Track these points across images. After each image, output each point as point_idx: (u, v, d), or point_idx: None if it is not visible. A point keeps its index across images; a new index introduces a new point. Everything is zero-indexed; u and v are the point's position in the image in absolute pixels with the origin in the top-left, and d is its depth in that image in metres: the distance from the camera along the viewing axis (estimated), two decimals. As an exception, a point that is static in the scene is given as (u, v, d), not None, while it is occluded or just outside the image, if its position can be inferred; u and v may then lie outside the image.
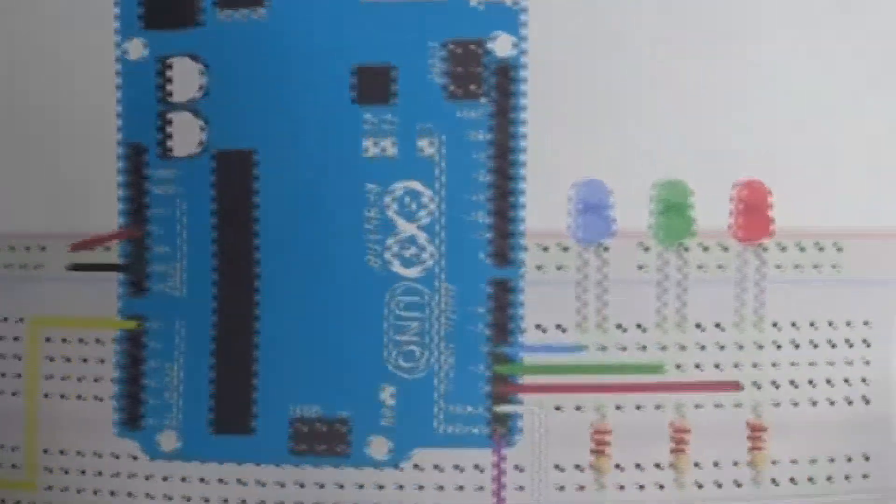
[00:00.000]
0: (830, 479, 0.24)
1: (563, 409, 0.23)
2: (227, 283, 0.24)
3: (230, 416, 0.24)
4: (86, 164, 0.24)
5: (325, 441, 0.23)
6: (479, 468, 0.23)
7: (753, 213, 0.24)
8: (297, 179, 0.23)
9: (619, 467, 0.24)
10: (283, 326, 0.24)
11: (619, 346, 0.24)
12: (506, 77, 0.23)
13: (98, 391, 0.24)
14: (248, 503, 0.23)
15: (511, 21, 0.23)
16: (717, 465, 0.24)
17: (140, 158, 0.24)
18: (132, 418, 0.24)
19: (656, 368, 0.24)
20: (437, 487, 0.23)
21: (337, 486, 0.23)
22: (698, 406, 0.24)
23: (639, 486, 0.24)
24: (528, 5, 0.23)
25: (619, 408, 0.24)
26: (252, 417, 0.24)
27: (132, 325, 0.24)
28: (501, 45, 0.23)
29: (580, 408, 0.23)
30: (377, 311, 0.24)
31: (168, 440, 0.24)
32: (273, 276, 0.24)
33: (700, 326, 0.24)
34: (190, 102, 0.24)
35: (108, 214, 0.24)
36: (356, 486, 0.23)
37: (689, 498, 0.24)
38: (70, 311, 0.24)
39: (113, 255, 0.24)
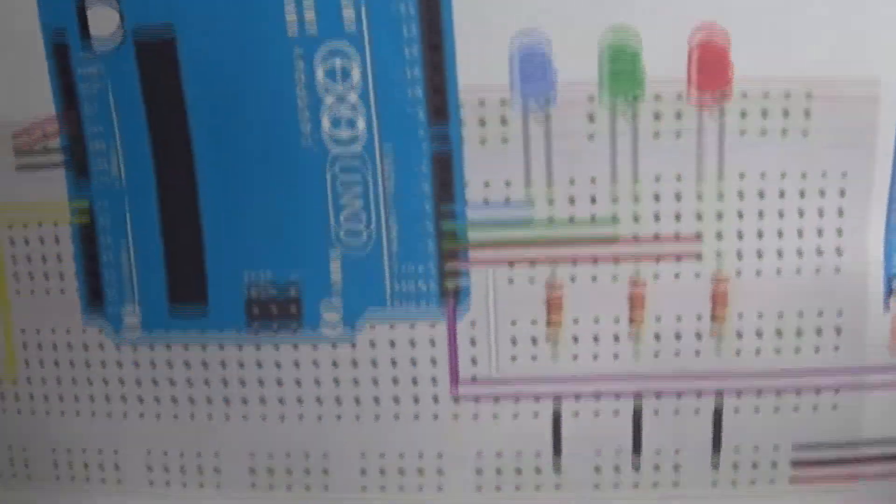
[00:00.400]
0: (799, 333, 0.23)
1: (512, 267, 0.23)
2: (165, 164, 0.23)
3: (185, 286, 0.24)
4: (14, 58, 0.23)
5: (278, 306, 0.23)
6: (432, 326, 0.23)
7: (712, 58, 0.21)
8: (221, 59, 0.22)
9: (574, 329, 0.23)
10: (227, 200, 0.23)
11: (570, 201, 0.22)
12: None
13: (61, 283, 0.24)
14: (210, 382, 0.24)
15: None
16: (678, 319, 0.23)
17: (65, 52, 0.23)
18: (95, 300, 0.24)
19: (610, 223, 0.23)
20: (392, 359, 0.23)
21: (291, 361, 0.24)
22: (657, 259, 0.23)
23: (595, 351, 0.23)
24: None
25: (573, 267, 0.23)
26: (206, 286, 0.24)
27: (82, 205, 0.24)
28: None
29: (532, 264, 0.23)
30: (318, 182, 0.23)
31: (130, 316, 0.24)
32: (209, 152, 0.23)
33: (657, 179, 0.22)
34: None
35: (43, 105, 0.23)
36: (311, 362, 0.24)
37: (647, 354, 0.23)
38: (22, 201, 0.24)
39: (55, 155, 0.23)
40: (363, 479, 0.24)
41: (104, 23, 0.22)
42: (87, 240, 0.24)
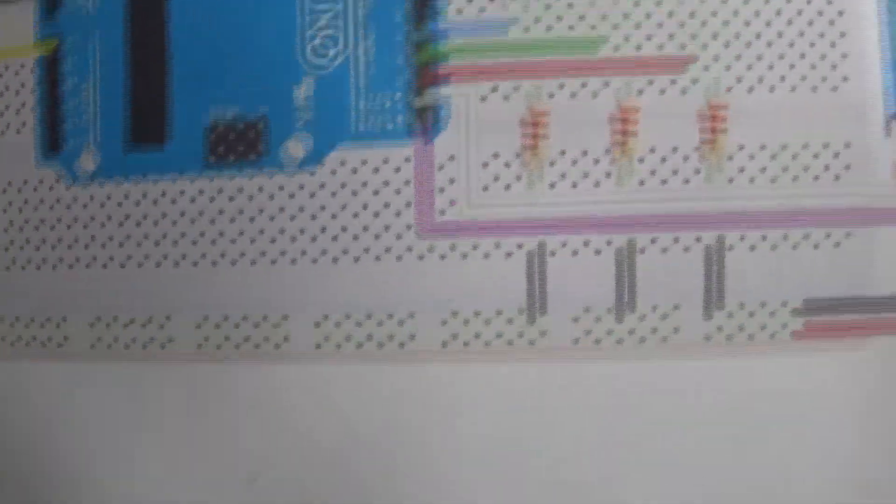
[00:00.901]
0: (805, 169, 0.21)
1: (495, 90, 0.21)
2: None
3: (145, 125, 0.22)
4: None
5: (241, 143, 0.22)
6: (402, 165, 0.21)
7: None
8: None
9: (553, 163, 0.21)
10: (195, 31, 0.22)
11: (555, 18, 0.21)
12: None
13: (18, 120, 0.23)
14: (168, 214, 0.22)
15: None
16: (672, 151, 0.21)
17: None
18: (52, 142, 0.23)
19: (596, 42, 0.21)
20: (357, 191, 0.21)
21: (252, 196, 0.22)
22: (649, 83, 0.21)
23: (575, 184, 0.21)
24: None
25: (556, 90, 0.21)
26: (167, 125, 0.22)
27: (49, 46, 0.23)
28: None
29: (515, 87, 0.21)
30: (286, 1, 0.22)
31: (87, 160, 0.22)
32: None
33: None
34: None
35: None
36: (272, 196, 0.22)
37: (633, 191, 0.21)
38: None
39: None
40: (318, 332, 0.22)
41: None
42: (50, 78, 0.23)
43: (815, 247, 0.21)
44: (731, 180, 0.21)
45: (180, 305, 0.22)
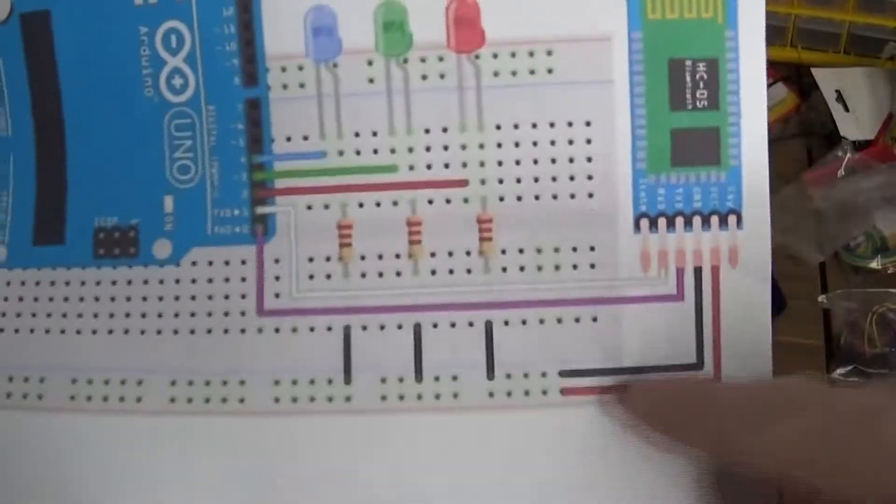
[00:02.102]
0: (557, 267, 0.27)
1: (311, 208, 0.27)
2: (41, 123, 0.29)
3: (48, 228, 0.28)
4: None
5: (120, 245, 0.28)
6: (244, 262, 0.27)
7: (466, 25, 0.26)
8: (87, 32, 0.28)
9: (362, 258, 0.27)
10: (87, 153, 0.28)
11: (356, 151, 0.27)
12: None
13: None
14: (61, 299, 0.28)
15: None
16: (450, 254, 0.27)
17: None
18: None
19: (390, 168, 0.27)
20: (209, 280, 0.27)
21: (129, 282, 0.28)
22: (430, 202, 0.27)
23: (380, 274, 0.27)
24: None
25: (360, 205, 0.27)
26: (64, 229, 0.28)
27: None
28: None
29: (326, 206, 0.27)
30: (157, 134, 0.28)
31: None
32: (76, 112, 0.28)
33: (427, 131, 0.27)
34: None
35: None
36: (144, 281, 0.28)
37: (424, 283, 0.27)
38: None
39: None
40: (172, 389, 0.27)
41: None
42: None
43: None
44: (504, 269, 0.27)
45: (54, 364, 0.28)
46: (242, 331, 0.27)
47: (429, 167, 0.27)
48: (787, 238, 0.50)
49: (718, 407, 0.24)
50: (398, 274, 0.27)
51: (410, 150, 0.27)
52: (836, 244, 0.53)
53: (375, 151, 0.27)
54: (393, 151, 0.27)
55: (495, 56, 0.26)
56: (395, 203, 0.27)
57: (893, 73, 0.56)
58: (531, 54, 0.26)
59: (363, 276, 0.27)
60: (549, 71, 0.26)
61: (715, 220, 0.26)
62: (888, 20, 0.55)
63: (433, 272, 0.27)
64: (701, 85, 0.26)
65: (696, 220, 0.26)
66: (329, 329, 0.27)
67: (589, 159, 0.27)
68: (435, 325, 0.27)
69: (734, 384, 0.26)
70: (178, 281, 0.28)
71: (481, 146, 0.27)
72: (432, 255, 0.27)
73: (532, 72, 0.26)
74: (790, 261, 0.51)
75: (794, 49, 0.57)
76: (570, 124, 0.27)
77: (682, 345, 0.26)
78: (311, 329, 0.27)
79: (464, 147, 0.27)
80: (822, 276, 0.52)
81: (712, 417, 0.24)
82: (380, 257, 0.27)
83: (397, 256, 0.27)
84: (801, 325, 0.50)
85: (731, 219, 0.26)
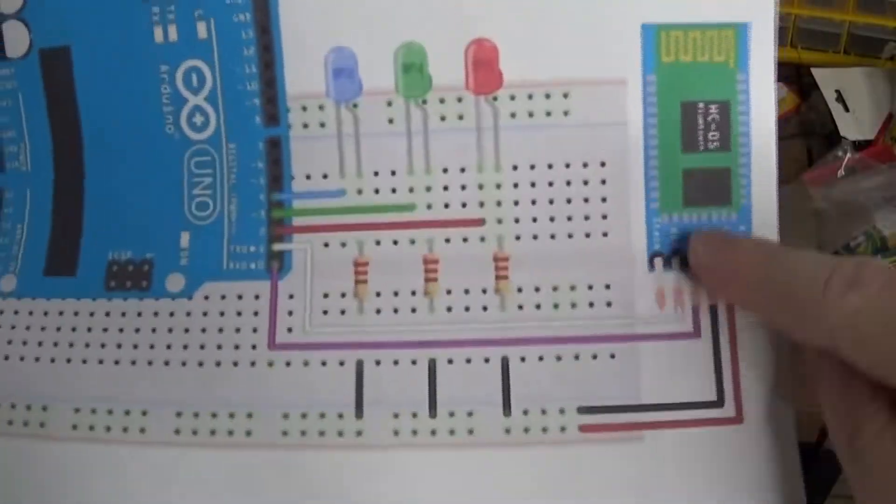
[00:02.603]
0: (574, 305, 0.27)
1: (327, 246, 0.28)
2: (61, 158, 0.29)
3: (60, 260, 0.29)
4: None
5: (132, 278, 0.28)
6: (257, 297, 0.28)
7: (484, 67, 0.27)
8: (107, 69, 0.28)
9: (378, 294, 0.28)
10: (105, 189, 0.29)
11: (375, 190, 0.28)
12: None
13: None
14: (69, 329, 0.28)
15: None
16: (466, 291, 0.27)
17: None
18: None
19: (408, 207, 0.27)
20: (221, 314, 0.28)
21: (139, 314, 0.28)
22: (447, 240, 0.27)
23: (395, 311, 0.28)
24: None
25: (377, 243, 0.28)
26: (77, 261, 0.29)
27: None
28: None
29: (343, 244, 0.28)
30: (177, 170, 0.28)
31: (8, 282, 0.29)
32: (95, 148, 0.29)
33: (445, 170, 0.27)
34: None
35: None
36: (155, 314, 0.28)
37: (440, 320, 0.27)
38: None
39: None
40: (178, 420, 0.27)
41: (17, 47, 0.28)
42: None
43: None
44: (520, 307, 0.27)
45: (57, 392, 0.28)
46: (252, 363, 0.27)
47: (446, 206, 0.27)
48: (787, 238, 0.51)
49: (787, 267, 0.24)
50: (413, 310, 0.27)
51: (428, 189, 0.27)
52: (836, 244, 0.53)
53: (394, 190, 0.27)
54: (411, 191, 0.27)
55: (513, 98, 0.27)
56: (412, 241, 0.28)
57: (893, 73, 0.57)
58: (548, 96, 0.27)
59: (378, 312, 0.27)
60: (566, 113, 0.27)
61: None
62: (888, 20, 0.55)
63: (449, 309, 0.27)
64: (713, 127, 0.27)
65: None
66: (341, 363, 0.27)
67: (604, 199, 0.27)
68: (450, 361, 0.27)
69: (801, 251, 0.25)
70: (189, 314, 0.28)
71: (498, 186, 0.27)
72: (448, 292, 0.27)
73: (548, 113, 0.27)
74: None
75: (794, 49, 0.58)
76: (585, 165, 0.27)
77: (700, 382, 0.27)
78: (323, 363, 0.27)
79: (481, 187, 0.27)
80: (821, 276, 0.53)
81: (781, 276, 0.24)
82: (395, 294, 0.28)
83: (413, 293, 0.27)
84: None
85: (743, 257, 0.27)
